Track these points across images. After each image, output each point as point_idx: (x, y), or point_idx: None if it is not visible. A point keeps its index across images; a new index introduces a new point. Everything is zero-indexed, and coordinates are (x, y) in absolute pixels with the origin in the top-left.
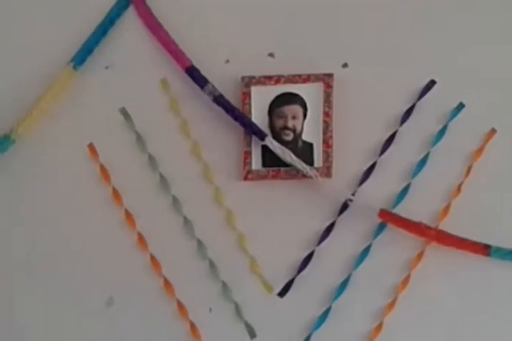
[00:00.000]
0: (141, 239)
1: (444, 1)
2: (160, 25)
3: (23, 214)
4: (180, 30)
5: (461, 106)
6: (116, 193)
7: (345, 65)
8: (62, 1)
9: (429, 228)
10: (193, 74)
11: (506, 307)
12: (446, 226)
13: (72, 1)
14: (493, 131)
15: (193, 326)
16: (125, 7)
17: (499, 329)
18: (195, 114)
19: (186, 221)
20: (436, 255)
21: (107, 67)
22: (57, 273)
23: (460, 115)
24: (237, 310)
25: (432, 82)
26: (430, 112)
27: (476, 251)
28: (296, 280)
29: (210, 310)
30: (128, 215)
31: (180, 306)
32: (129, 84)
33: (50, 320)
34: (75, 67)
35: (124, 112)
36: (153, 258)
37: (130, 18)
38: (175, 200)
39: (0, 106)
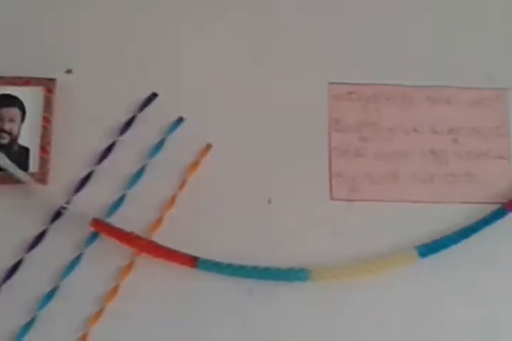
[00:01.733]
0: None
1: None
2: None
3: None
4: None
5: (180, 120)
6: None
7: (69, 71)
8: None
9: (140, 238)
10: None
11: (229, 317)
12: (159, 237)
13: None
14: (209, 145)
15: None
16: None
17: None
18: None
19: None
20: (148, 266)
21: None
22: None
23: (179, 129)
24: None
25: (154, 95)
26: (150, 124)
27: (184, 263)
28: (1, 289)
29: None
30: None
31: None
32: None
33: None
34: None
35: None
36: None
37: None
38: None
39: None
